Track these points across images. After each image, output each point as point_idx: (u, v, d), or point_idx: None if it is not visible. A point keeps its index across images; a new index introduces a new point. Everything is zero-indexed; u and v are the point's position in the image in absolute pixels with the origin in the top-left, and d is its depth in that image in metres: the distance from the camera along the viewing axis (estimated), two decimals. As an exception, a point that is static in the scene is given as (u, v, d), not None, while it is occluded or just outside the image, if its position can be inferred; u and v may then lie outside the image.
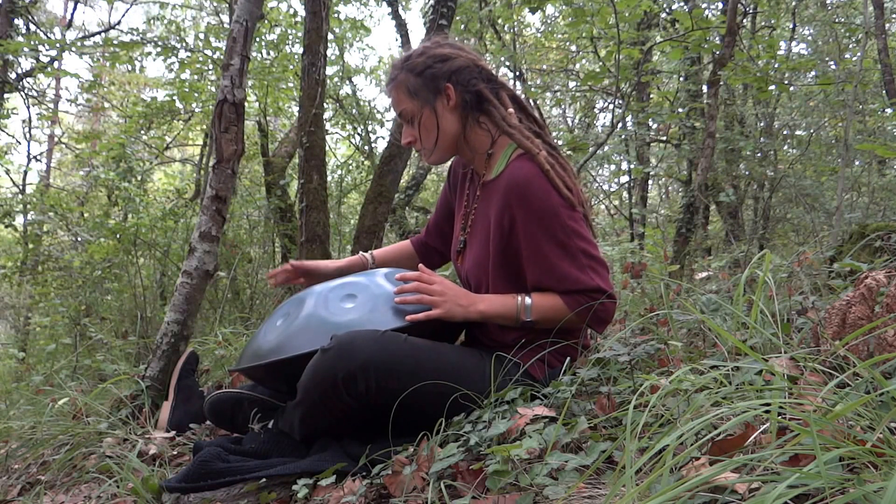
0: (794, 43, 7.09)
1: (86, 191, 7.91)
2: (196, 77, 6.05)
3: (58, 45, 5.69)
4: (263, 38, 5.98)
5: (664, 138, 6.84)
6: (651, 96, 7.33)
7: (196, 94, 5.90)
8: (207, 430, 1.83)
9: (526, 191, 1.35)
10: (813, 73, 6.14)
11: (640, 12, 4.76)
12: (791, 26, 6.52)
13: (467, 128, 1.49)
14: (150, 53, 5.99)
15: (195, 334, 2.84)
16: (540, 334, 1.41)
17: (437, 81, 1.46)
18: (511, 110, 1.48)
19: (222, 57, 3.03)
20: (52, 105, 9.12)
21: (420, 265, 1.47)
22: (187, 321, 2.01)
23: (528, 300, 1.38)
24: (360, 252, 1.79)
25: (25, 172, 7.23)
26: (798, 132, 6.85)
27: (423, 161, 1.59)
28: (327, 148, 4.89)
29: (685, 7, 5.65)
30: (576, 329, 1.44)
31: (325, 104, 3.58)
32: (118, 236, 4.69)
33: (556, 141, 1.54)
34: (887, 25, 6.38)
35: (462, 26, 6.68)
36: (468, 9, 6.50)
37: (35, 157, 8.57)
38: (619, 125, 6.49)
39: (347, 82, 7.09)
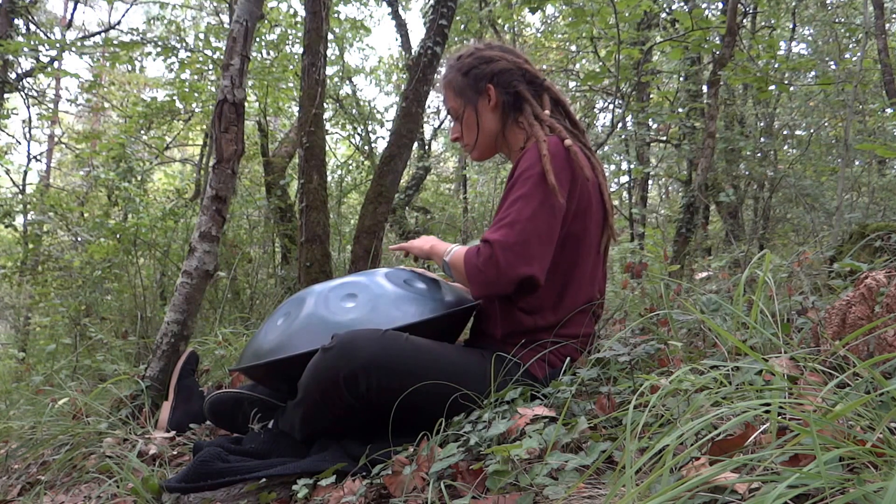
0: (794, 43, 7.08)
1: (86, 191, 7.90)
2: (196, 77, 6.04)
3: (58, 45, 5.68)
4: (263, 38, 5.98)
5: (664, 138, 6.84)
6: (651, 96, 7.33)
7: (196, 94, 5.90)
8: (207, 430, 1.83)
9: (525, 155, 1.40)
10: (813, 73, 6.14)
11: (640, 12, 4.76)
12: (791, 26, 6.52)
13: (506, 127, 1.55)
14: (150, 53, 5.98)
15: (195, 334, 2.84)
16: (541, 333, 1.41)
17: (479, 82, 1.53)
18: (547, 111, 1.51)
19: (222, 57, 3.03)
20: (52, 105, 9.11)
21: None
22: (187, 321, 2.01)
23: (456, 246, 1.45)
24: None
25: (25, 172, 7.21)
26: (798, 132, 6.85)
27: (468, 157, 1.67)
28: (327, 148, 4.89)
29: (685, 7, 5.65)
30: (576, 328, 1.43)
31: (325, 104, 3.58)
32: (118, 236, 4.69)
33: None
34: (887, 25, 6.37)
35: (462, 26, 6.68)
36: (468, 9, 6.50)
37: (35, 157, 8.55)
38: (619, 125, 6.49)
39: (347, 82, 7.08)
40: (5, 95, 6.69)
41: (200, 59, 5.79)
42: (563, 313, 1.42)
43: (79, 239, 5.86)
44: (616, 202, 8.23)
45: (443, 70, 1.63)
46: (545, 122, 1.48)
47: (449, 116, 1.64)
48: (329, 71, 6.18)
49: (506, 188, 1.44)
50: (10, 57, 6.14)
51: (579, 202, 1.41)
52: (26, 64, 6.83)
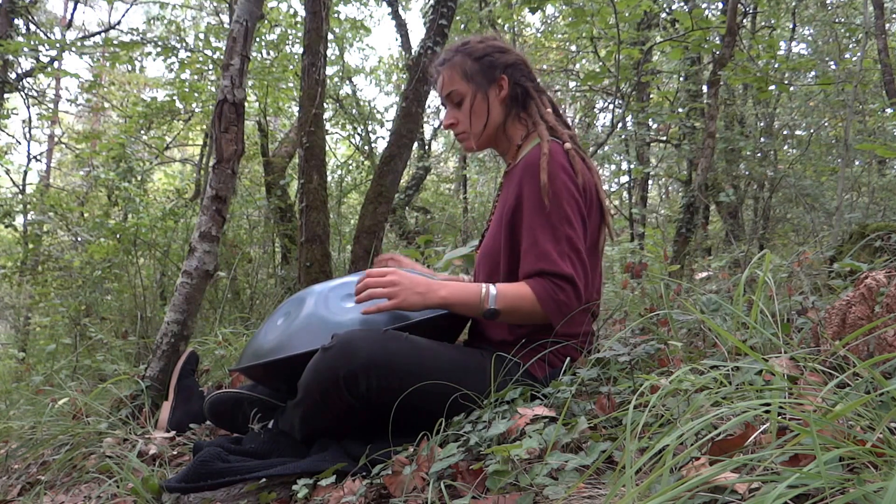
0: (794, 43, 7.08)
1: (86, 191, 7.90)
2: (196, 77, 6.04)
3: (58, 45, 5.68)
4: (263, 38, 5.98)
5: (664, 138, 6.84)
6: (651, 96, 7.33)
7: (196, 94, 5.90)
8: (207, 430, 1.83)
9: (537, 168, 1.37)
10: (813, 73, 6.14)
11: (640, 12, 4.76)
12: (791, 26, 6.52)
13: (508, 120, 1.53)
14: (150, 53, 5.98)
15: (195, 334, 2.84)
16: (541, 334, 1.41)
17: (493, 70, 1.51)
18: (549, 110, 1.52)
19: (222, 57, 3.03)
20: (52, 105, 9.11)
21: (391, 255, 1.48)
22: (187, 321, 2.01)
23: (493, 289, 1.36)
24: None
25: (25, 172, 7.20)
26: (798, 132, 6.85)
27: (462, 147, 1.61)
28: (327, 148, 4.88)
29: (685, 7, 5.65)
30: (576, 328, 1.43)
31: (325, 104, 3.58)
32: (118, 236, 4.69)
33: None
34: (887, 25, 6.37)
35: (462, 26, 6.68)
36: (468, 9, 6.50)
37: (35, 157, 8.54)
38: (619, 125, 6.48)
39: (347, 82, 7.08)
40: (5, 95, 6.69)
41: (200, 59, 5.78)
42: None
43: (79, 239, 5.86)
44: (616, 202, 8.23)
45: (442, 55, 1.57)
46: (549, 123, 1.48)
47: (445, 101, 1.56)
48: (329, 71, 6.18)
49: (519, 195, 1.39)
50: (10, 57, 6.14)
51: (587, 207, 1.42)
52: (26, 64, 6.83)
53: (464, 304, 1.36)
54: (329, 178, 5.50)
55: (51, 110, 8.62)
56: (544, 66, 8.17)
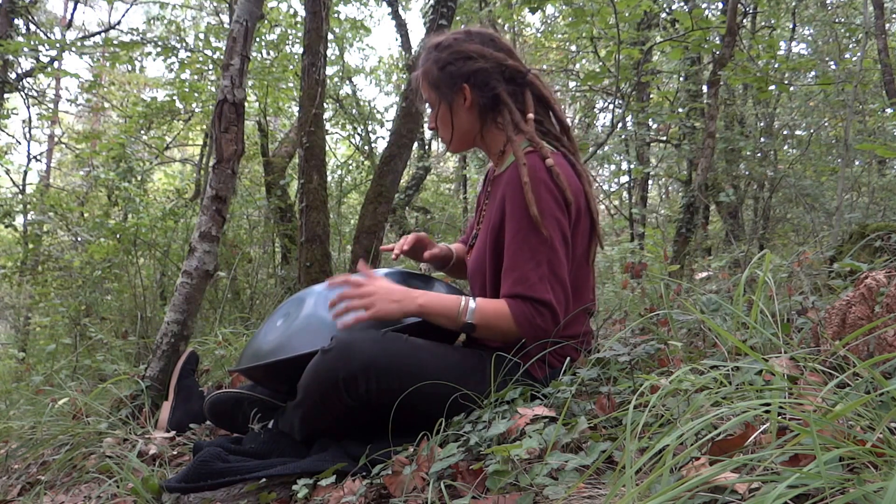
0: (794, 43, 7.09)
1: (86, 191, 7.90)
2: (196, 77, 6.05)
3: (58, 45, 5.68)
4: (263, 38, 5.98)
5: (664, 138, 6.84)
6: (651, 96, 7.33)
7: (196, 94, 5.90)
8: (207, 430, 1.83)
9: (519, 185, 1.33)
10: (813, 73, 6.14)
11: (640, 12, 4.76)
12: (791, 26, 6.52)
13: (484, 127, 1.49)
14: (150, 53, 5.98)
15: (195, 334, 2.84)
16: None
17: (455, 80, 1.44)
18: (531, 115, 1.44)
19: (222, 57, 3.03)
20: (52, 105, 9.11)
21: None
22: (187, 321, 2.01)
23: (472, 302, 1.34)
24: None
25: (25, 172, 7.20)
26: (798, 132, 6.85)
27: (445, 148, 1.61)
28: (327, 148, 4.89)
29: (685, 7, 5.65)
30: (576, 328, 1.43)
31: (325, 104, 3.58)
32: (118, 236, 4.69)
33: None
34: (887, 25, 6.38)
35: (462, 26, 6.68)
36: (468, 9, 6.51)
37: (35, 157, 8.54)
38: (619, 125, 6.48)
39: (347, 82, 7.08)
40: (5, 95, 6.69)
41: (200, 59, 5.79)
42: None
43: (79, 239, 5.86)
44: (616, 202, 8.23)
45: (421, 54, 1.53)
46: (526, 133, 1.40)
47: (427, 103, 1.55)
48: (329, 71, 6.18)
49: (502, 214, 1.36)
50: (10, 57, 6.14)
51: (573, 219, 1.39)
52: (26, 64, 6.84)
53: (441, 315, 1.35)
54: (329, 178, 5.50)
55: (51, 110, 8.62)
56: (544, 66, 8.17)
